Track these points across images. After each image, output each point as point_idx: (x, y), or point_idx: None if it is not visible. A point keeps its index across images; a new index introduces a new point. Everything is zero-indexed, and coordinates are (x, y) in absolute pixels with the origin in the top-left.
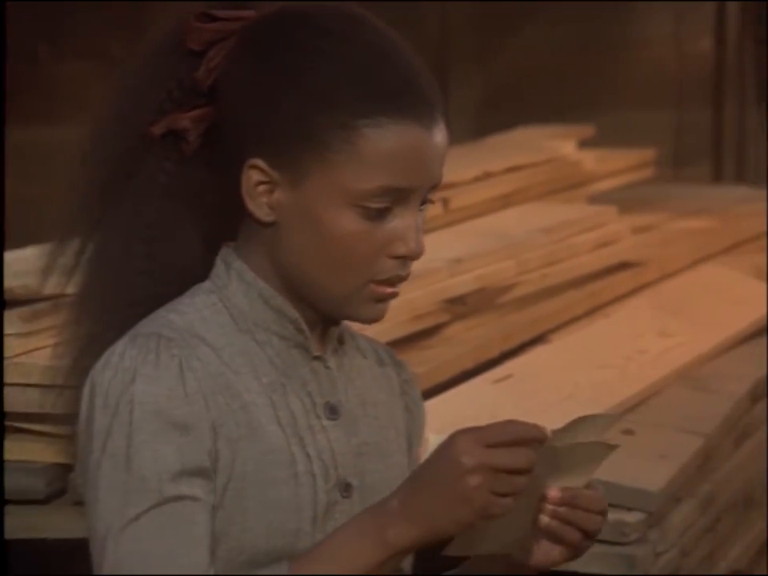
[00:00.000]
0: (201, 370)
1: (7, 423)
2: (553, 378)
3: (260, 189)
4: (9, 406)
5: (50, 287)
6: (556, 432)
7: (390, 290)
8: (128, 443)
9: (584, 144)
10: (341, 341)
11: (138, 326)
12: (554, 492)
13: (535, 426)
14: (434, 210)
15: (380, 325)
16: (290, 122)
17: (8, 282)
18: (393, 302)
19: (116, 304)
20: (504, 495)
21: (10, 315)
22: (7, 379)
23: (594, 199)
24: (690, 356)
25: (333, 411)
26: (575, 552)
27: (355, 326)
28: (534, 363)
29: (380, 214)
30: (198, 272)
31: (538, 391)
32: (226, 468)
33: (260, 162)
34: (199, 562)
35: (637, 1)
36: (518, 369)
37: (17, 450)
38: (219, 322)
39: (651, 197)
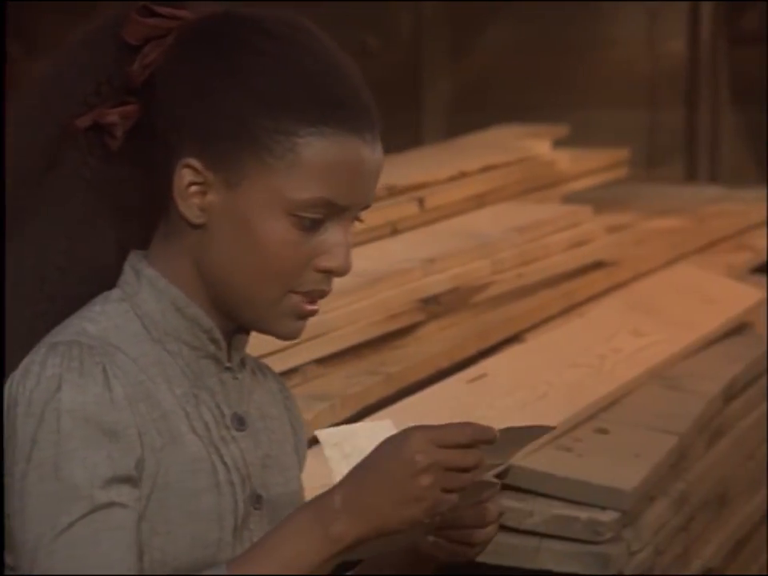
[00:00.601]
0: (123, 378)
1: None
2: (527, 377)
3: (192, 189)
4: None
5: None
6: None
7: (309, 306)
8: (56, 452)
9: (558, 144)
10: (244, 358)
11: (51, 334)
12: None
13: (488, 429)
14: (408, 210)
15: (354, 324)
16: (231, 123)
17: None
18: (367, 302)
19: (30, 297)
20: (450, 491)
21: None
22: None
23: (568, 199)
24: (663, 355)
25: (240, 422)
26: (466, 557)
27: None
28: (508, 362)
29: (312, 225)
30: (114, 273)
31: (513, 390)
32: (150, 478)
33: (194, 162)
34: (131, 567)
35: (611, 0)
36: (492, 368)
37: None
38: (132, 331)
39: (625, 196)
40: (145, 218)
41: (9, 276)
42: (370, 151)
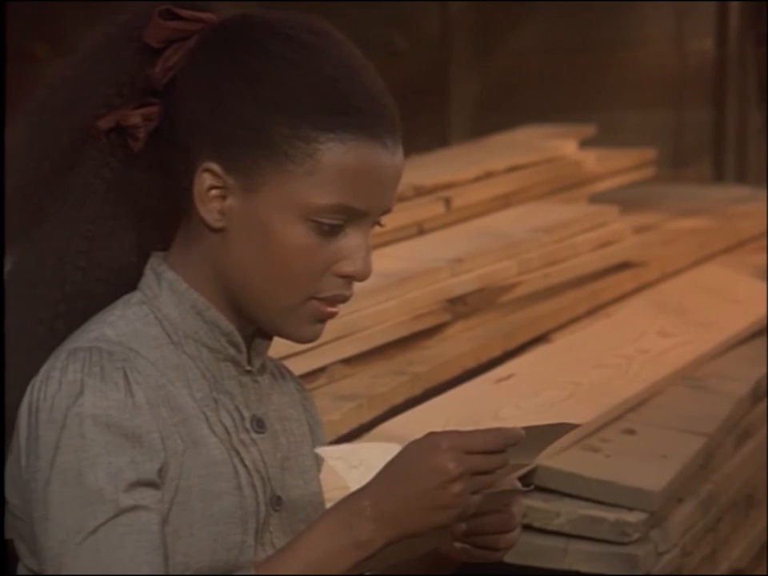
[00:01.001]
0: (144, 383)
1: None
2: (554, 377)
3: (212, 193)
4: None
5: None
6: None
7: (329, 309)
8: (79, 457)
9: (585, 143)
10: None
11: (70, 339)
12: (457, 528)
13: (515, 432)
14: (435, 210)
15: (380, 324)
16: (250, 129)
17: None
18: (394, 302)
19: (49, 298)
20: (475, 493)
21: None
22: None
23: (595, 199)
24: (690, 356)
25: (260, 425)
26: (493, 560)
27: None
28: (535, 363)
29: (332, 231)
30: (133, 274)
31: (540, 391)
32: (172, 481)
33: (214, 166)
34: (157, 569)
35: (638, 0)
36: (519, 368)
37: None
38: (152, 335)
39: (652, 196)
40: (165, 220)
41: (28, 277)
42: (390, 157)
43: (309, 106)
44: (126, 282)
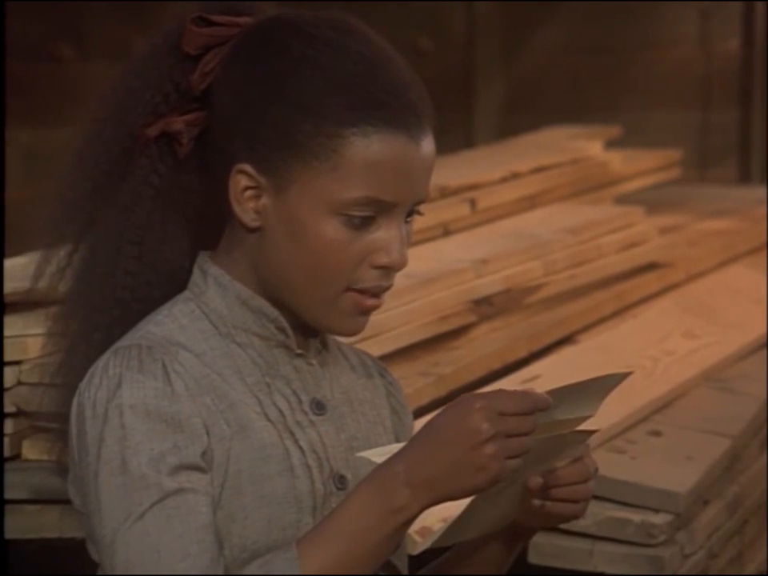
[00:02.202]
0: (184, 373)
1: (31, 423)
2: (580, 378)
3: (247, 194)
4: (36, 406)
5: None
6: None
7: (370, 301)
8: (122, 446)
9: (611, 144)
10: (324, 344)
11: (119, 341)
12: (533, 482)
13: (544, 397)
14: (460, 211)
15: (406, 325)
16: (276, 130)
17: (37, 282)
18: (419, 303)
19: (103, 304)
20: (511, 458)
21: (37, 315)
22: (33, 379)
23: (621, 200)
24: (716, 357)
25: (319, 407)
26: (576, 516)
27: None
28: (561, 364)
29: (363, 223)
30: (185, 276)
31: None
32: (221, 467)
33: (247, 168)
34: (208, 547)
35: (664, 0)
36: (545, 369)
37: (39, 449)
38: (199, 329)
39: (678, 197)
40: (213, 223)
41: (83, 284)
42: (416, 147)
43: (330, 102)
44: (179, 284)
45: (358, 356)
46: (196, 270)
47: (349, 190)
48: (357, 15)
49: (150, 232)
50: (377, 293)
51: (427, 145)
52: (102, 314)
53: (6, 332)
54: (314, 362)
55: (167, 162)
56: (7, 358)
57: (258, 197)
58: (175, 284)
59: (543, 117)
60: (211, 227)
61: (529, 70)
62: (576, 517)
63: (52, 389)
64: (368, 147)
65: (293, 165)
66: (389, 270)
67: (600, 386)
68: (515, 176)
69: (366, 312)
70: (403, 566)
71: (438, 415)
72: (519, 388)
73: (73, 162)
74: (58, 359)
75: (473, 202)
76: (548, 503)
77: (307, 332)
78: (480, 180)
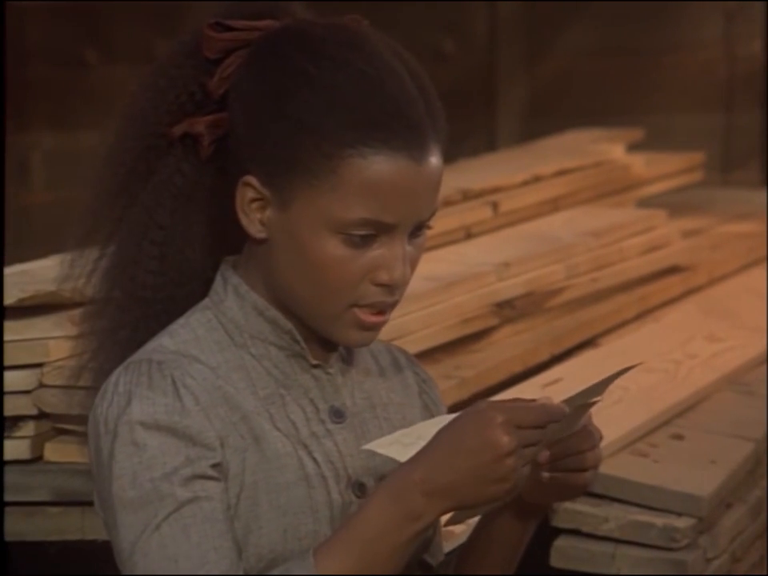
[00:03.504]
0: (196, 387)
1: (53, 425)
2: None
3: (253, 206)
4: (54, 408)
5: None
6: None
7: (374, 317)
8: (133, 462)
9: (633, 147)
10: (348, 348)
11: (133, 355)
12: (542, 455)
13: (559, 408)
14: (482, 214)
15: (428, 328)
16: (278, 146)
17: (57, 285)
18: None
19: (128, 303)
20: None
21: (59, 318)
22: (53, 381)
23: (643, 203)
24: (739, 361)
25: (338, 415)
26: (585, 486)
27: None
28: (583, 367)
29: (364, 242)
30: (210, 275)
31: None
32: (237, 477)
33: (253, 180)
34: (226, 553)
35: (686, 1)
36: (567, 373)
37: (61, 451)
38: (214, 339)
39: (700, 200)
40: (238, 225)
41: (110, 282)
42: (417, 167)
43: (329, 122)
44: (204, 284)
45: (391, 354)
46: (218, 278)
47: (348, 211)
48: (379, 18)
49: (172, 232)
50: (382, 309)
51: (431, 163)
52: (127, 313)
53: (28, 335)
54: (332, 370)
55: (191, 161)
56: (29, 360)
57: (263, 208)
58: (200, 284)
59: (566, 120)
60: (238, 229)
61: (551, 72)
62: (585, 486)
63: (78, 391)
64: (367, 168)
65: (294, 182)
66: (391, 287)
67: (608, 379)
68: (538, 179)
69: (370, 328)
70: (438, 565)
71: (455, 422)
72: (539, 393)
73: (101, 162)
74: (85, 360)
75: (495, 205)
76: (558, 474)
77: (326, 340)
78: (502, 183)
